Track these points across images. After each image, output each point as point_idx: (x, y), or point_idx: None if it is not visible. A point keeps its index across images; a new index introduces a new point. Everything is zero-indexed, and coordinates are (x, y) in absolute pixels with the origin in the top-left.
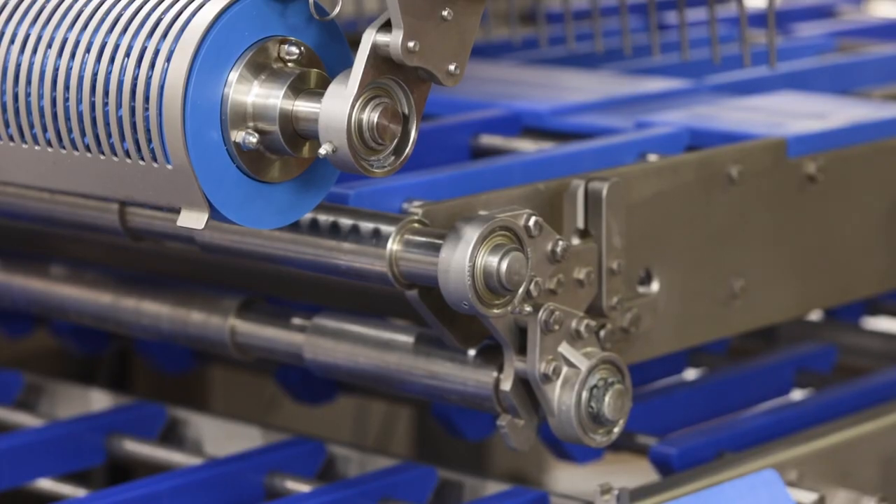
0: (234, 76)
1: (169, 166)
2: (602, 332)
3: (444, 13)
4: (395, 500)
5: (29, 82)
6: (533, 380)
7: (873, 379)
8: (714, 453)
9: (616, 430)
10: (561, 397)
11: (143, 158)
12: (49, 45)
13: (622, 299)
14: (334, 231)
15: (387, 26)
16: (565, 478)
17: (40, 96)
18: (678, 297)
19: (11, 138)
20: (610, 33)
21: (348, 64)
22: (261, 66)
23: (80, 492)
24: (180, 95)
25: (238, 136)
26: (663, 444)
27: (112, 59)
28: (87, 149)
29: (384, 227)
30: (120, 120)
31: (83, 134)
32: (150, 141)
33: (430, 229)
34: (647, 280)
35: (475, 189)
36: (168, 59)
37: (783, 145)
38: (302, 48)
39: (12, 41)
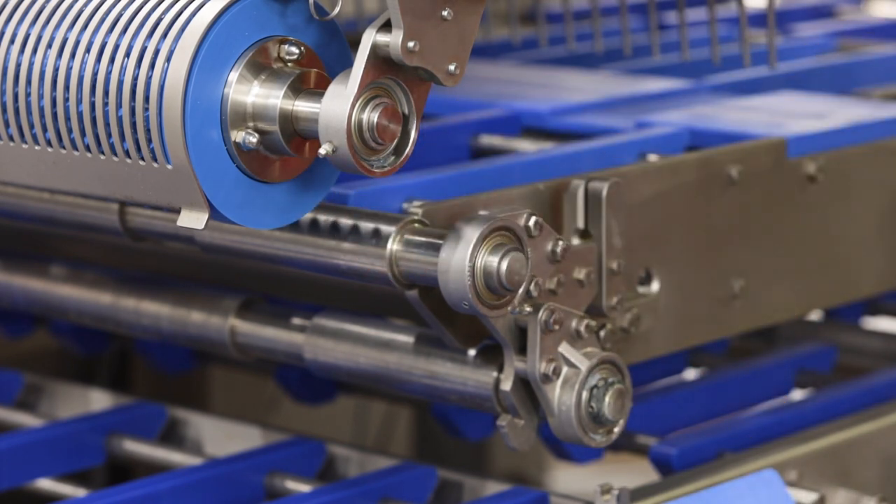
0: (234, 76)
1: (169, 166)
2: (602, 332)
3: (444, 13)
4: (395, 500)
5: (29, 82)
6: (533, 380)
7: (873, 379)
8: (714, 453)
9: (616, 430)
10: (561, 397)
11: (143, 158)
12: (49, 45)
13: (622, 299)
14: (334, 231)
15: (387, 26)
16: (565, 478)
17: (40, 96)
18: (678, 297)
19: (11, 138)
20: (610, 33)
21: (348, 64)
22: (261, 66)
23: (80, 492)
24: (180, 95)
25: (238, 136)
26: (663, 444)
27: (112, 59)
28: (87, 149)
29: (384, 227)
30: (120, 120)
31: (83, 134)
32: (150, 141)
33: (430, 229)
34: (647, 280)
35: (475, 189)
36: (168, 59)
37: (783, 145)
38: (302, 48)
39: (12, 41)
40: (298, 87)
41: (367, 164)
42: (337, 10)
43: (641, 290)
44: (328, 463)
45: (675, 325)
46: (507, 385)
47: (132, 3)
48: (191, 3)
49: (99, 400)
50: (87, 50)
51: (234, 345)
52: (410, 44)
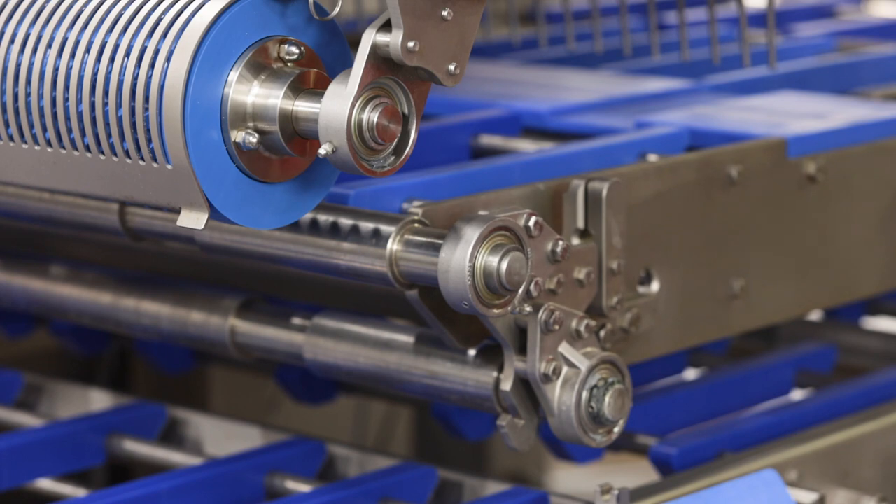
0: (234, 76)
1: (169, 166)
2: (602, 332)
3: (444, 13)
4: (395, 500)
5: (29, 82)
6: (533, 380)
7: (873, 379)
8: (714, 453)
9: (616, 430)
10: (561, 397)
11: (143, 158)
12: (49, 45)
13: (622, 299)
14: (334, 231)
15: (387, 26)
16: (565, 478)
17: (40, 96)
18: (678, 297)
19: (11, 138)
20: (610, 33)
21: (348, 64)
22: (261, 66)
23: (80, 492)
24: (180, 95)
25: (238, 136)
26: (663, 444)
27: (112, 59)
28: (87, 149)
29: (384, 227)
30: (120, 120)
31: (83, 134)
32: (150, 141)
33: (430, 229)
34: (647, 280)
35: (475, 189)
36: (168, 59)
37: (783, 145)
38: (302, 48)
39: (12, 41)
40: (298, 87)
41: (367, 164)
42: (337, 10)
43: (641, 290)
44: (328, 463)
45: (675, 325)
46: (507, 385)
47: (132, 3)
48: (191, 3)
49: (99, 400)
50: (87, 50)
51: (234, 345)
52: (410, 44)
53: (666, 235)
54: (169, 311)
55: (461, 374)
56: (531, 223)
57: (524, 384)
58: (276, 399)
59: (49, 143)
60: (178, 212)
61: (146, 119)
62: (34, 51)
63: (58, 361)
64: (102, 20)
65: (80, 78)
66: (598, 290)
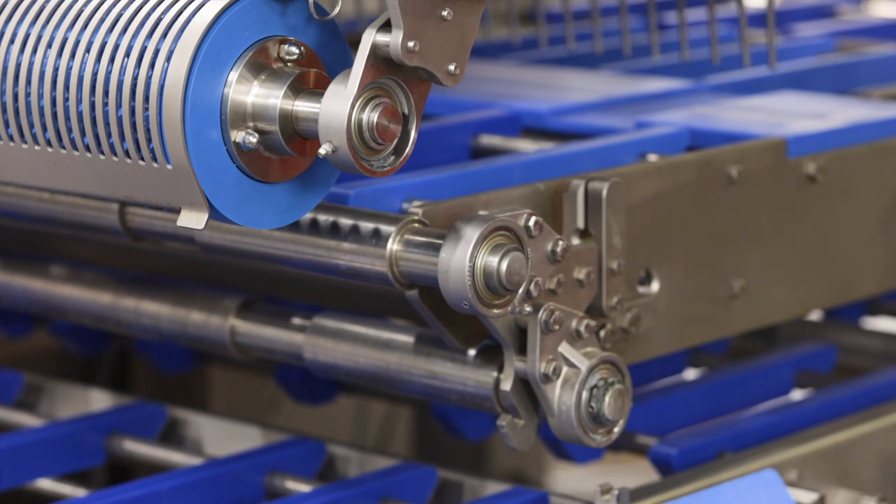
0: (234, 76)
1: (169, 166)
2: (602, 332)
3: (444, 13)
4: (395, 500)
5: (29, 82)
6: (533, 380)
7: (873, 379)
8: (714, 453)
9: (616, 430)
10: (561, 397)
11: (143, 158)
12: (49, 45)
13: (622, 299)
14: (334, 231)
15: (387, 26)
16: (565, 478)
17: (40, 96)
18: (678, 297)
19: (11, 138)
20: (610, 33)
21: (348, 64)
22: (261, 66)
23: (80, 492)
24: (180, 95)
25: (238, 136)
26: (663, 444)
27: (112, 59)
28: (87, 149)
29: (384, 227)
30: (120, 120)
31: (83, 134)
32: (150, 141)
33: (430, 229)
34: (647, 280)
35: (475, 189)
36: (168, 59)
37: (783, 145)
38: (302, 48)
39: (12, 41)
40: (298, 87)
41: (367, 164)
42: (337, 10)
43: (641, 290)
44: (328, 463)
45: (675, 325)
46: (507, 385)
47: (132, 3)
48: (191, 3)
49: (99, 400)
50: (87, 50)
51: (234, 345)
52: (410, 44)
53: (666, 235)
54: (169, 311)
55: (461, 374)
56: (531, 223)
57: (524, 384)
58: (276, 399)
59: (49, 143)
60: (178, 212)
61: (146, 119)
62: (34, 51)
63: (58, 361)
64: (102, 20)
65: (80, 78)
66: (598, 290)
